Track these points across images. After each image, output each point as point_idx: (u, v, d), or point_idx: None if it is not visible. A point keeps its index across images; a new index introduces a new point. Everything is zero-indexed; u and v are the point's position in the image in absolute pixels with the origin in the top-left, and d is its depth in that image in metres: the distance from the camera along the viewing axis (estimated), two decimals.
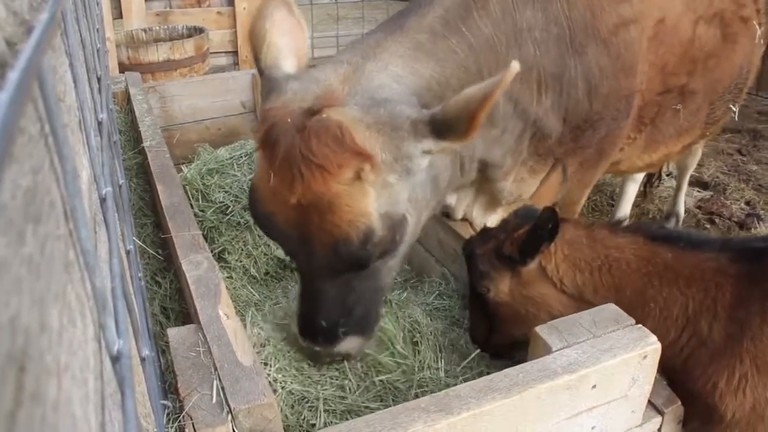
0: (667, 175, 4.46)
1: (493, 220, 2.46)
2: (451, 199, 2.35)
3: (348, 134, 1.49)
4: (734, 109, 2.97)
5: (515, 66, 1.44)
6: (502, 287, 1.84)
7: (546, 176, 1.96)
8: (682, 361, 1.62)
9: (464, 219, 2.53)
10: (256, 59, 1.77)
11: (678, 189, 4.05)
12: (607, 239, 1.77)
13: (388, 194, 1.60)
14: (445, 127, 1.55)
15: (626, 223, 3.83)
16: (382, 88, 1.64)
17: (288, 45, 1.78)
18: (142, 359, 1.04)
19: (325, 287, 1.72)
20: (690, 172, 4.05)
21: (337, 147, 1.48)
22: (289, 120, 1.53)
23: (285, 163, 1.51)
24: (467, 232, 2.37)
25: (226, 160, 2.83)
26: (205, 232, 2.54)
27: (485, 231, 1.97)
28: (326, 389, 1.83)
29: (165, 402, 1.36)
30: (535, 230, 1.71)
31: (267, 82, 1.71)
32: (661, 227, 1.83)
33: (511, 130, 2.08)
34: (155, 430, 1.05)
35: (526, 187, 2.29)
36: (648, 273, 1.70)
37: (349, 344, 1.83)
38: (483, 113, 1.48)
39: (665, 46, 2.40)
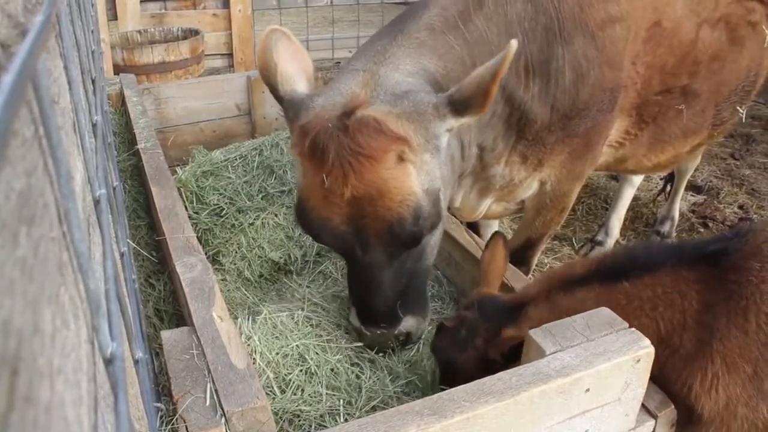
0: (661, 179, 4.48)
1: (486, 205, 2.59)
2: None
3: (384, 124, 1.71)
4: (741, 111, 2.98)
5: (514, 44, 1.66)
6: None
7: (489, 256, 1.99)
8: (658, 369, 1.65)
9: (458, 216, 2.56)
10: (273, 89, 1.93)
11: (675, 192, 4.04)
12: (567, 302, 1.76)
13: (426, 172, 1.81)
14: (463, 104, 1.77)
15: (602, 246, 3.82)
16: (400, 84, 1.85)
17: (297, 69, 1.97)
18: (136, 361, 1.04)
19: (381, 274, 1.90)
20: (688, 175, 4.05)
21: (379, 136, 1.70)
22: (330, 125, 1.72)
23: (337, 162, 1.70)
24: (461, 235, 2.37)
25: (221, 162, 2.82)
26: (199, 235, 2.53)
27: (448, 332, 1.86)
28: (317, 408, 1.79)
29: (158, 405, 1.36)
30: (520, 347, 1.69)
31: (291, 105, 1.88)
32: (610, 262, 1.82)
33: (500, 114, 2.23)
34: None
35: (516, 171, 2.41)
36: None
37: (409, 323, 2.02)
38: (495, 87, 1.71)
39: (663, 48, 2.45)
